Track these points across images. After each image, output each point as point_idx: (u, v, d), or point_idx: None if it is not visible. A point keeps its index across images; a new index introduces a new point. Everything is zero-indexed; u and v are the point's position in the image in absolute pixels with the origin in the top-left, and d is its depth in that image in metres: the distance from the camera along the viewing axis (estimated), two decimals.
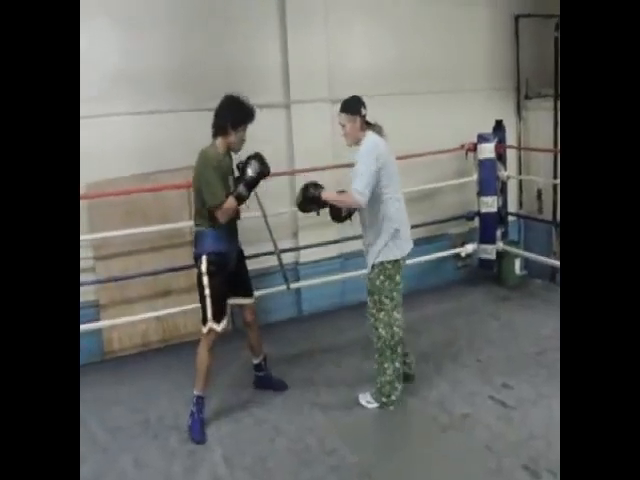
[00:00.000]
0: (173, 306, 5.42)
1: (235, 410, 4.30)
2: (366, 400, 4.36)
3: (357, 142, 4.16)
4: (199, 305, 4.08)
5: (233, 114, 3.96)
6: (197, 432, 4.02)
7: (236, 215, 4.12)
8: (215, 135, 4.02)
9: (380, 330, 4.22)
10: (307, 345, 5.38)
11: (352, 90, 5.21)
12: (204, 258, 4.00)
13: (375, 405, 4.32)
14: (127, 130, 5.38)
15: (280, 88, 5.94)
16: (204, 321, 4.06)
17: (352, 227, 4.67)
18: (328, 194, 4.13)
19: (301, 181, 5.83)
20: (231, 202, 3.93)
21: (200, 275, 4.01)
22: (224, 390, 4.59)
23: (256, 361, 4.57)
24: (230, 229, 4.13)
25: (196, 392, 4.09)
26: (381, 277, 4.15)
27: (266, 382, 4.60)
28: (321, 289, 5.83)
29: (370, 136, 4.14)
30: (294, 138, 5.97)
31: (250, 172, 3.99)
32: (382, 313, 4.20)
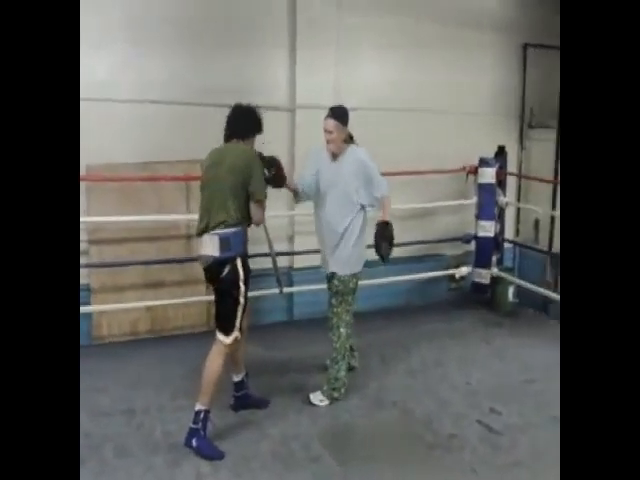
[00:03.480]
0: (165, 298, 5.39)
1: (220, 409, 4.15)
2: (319, 399, 4.42)
3: (338, 152, 4.28)
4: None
5: (254, 124, 3.93)
6: (211, 450, 3.74)
7: None
8: (232, 138, 3.91)
9: (341, 329, 4.39)
10: (297, 351, 5.36)
11: (358, 100, 5.26)
12: (239, 262, 3.76)
13: (327, 402, 4.40)
14: (130, 117, 5.38)
15: (286, 93, 6.00)
16: (227, 330, 3.78)
17: None
18: (387, 217, 4.29)
19: None
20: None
21: (236, 281, 3.75)
22: None
23: (237, 378, 4.25)
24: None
25: (201, 407, 3.73)
26: (354, 280, 4.38)
27: (246, 401, 4.30)
28: (314, 296, 5.78)
29: (357, 147, 4.31)
30: (296, 142, 6.00)
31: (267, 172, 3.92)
32: (345, 313, 4.37)
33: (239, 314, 3.78)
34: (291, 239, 6.22)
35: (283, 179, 4.11)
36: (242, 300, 3.78)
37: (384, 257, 4.24)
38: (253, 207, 3.78)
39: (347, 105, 4.33)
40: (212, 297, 4.03)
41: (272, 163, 3.98)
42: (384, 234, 4.21)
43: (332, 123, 4.19)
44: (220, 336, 3.80)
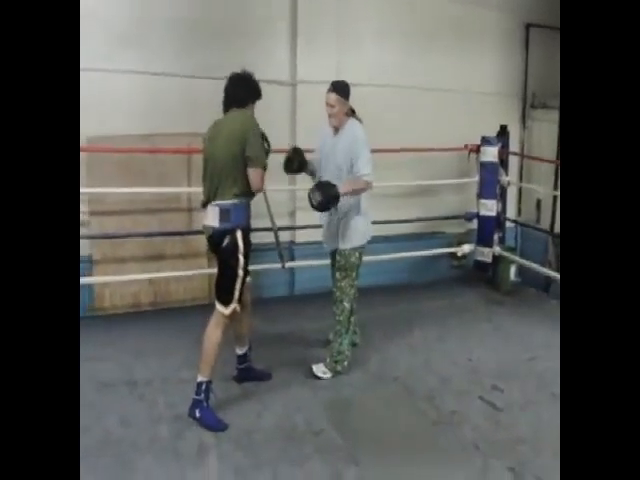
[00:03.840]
0: (166, 271, 5.38)
1: (222, 381, 4.16)
2: (321, 371, 4.43)
3: (339, 126, 4.26)
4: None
5: (254, 90, 3.91)
6: (214, 421, 3.74)
7: None
8: (231, 106, 3.87)
9: (345, 303, 4.39)
10: (299, 325, 5.38)
11: (359, 76, 5.23)
12: (239, 234, 3.73)
13: (329, 375, 4.42)
14: (132, 89, 5.36)
15: (287, 67, 5.96)
16: (226, 302, 3.76)
17: None
18: (345, 188, 4.07)
19: None
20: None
21: (235, 252, 3.73)
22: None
23: (241, 351, 4.24)
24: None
25: (202, 378, 3.74)
26: (356, 254, 4.36)
27: (249, 374, 4.30)
28: (315, 271, 5.77)
29: (356, 122, 4.27)
30: (297, 116, 5.97)
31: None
32: (349, 288, 4.38)
33: (238, 286, 3.77)
34: (292, 214, 6.20)
35: (304, 164, 4.28)
36: (241, 272, 3.76)
37: (312, 202, 4.04)
38: (250, 172, 3.71)
39: (348, 81, 4.31)
40: (214, 270, 4.02)
41: (297, 152, 4.28)
42: (324, 184, 4.05)
43: (334, 97, 4.18)
44: (219, 307, 3.80)
